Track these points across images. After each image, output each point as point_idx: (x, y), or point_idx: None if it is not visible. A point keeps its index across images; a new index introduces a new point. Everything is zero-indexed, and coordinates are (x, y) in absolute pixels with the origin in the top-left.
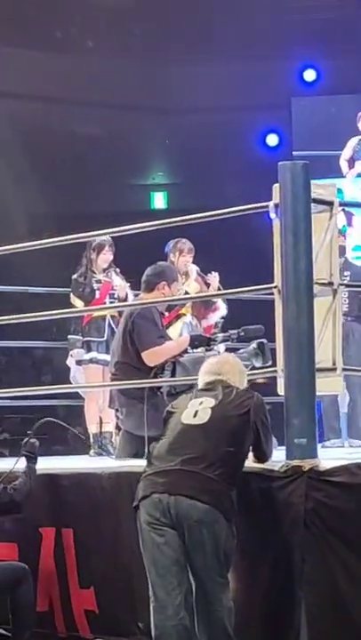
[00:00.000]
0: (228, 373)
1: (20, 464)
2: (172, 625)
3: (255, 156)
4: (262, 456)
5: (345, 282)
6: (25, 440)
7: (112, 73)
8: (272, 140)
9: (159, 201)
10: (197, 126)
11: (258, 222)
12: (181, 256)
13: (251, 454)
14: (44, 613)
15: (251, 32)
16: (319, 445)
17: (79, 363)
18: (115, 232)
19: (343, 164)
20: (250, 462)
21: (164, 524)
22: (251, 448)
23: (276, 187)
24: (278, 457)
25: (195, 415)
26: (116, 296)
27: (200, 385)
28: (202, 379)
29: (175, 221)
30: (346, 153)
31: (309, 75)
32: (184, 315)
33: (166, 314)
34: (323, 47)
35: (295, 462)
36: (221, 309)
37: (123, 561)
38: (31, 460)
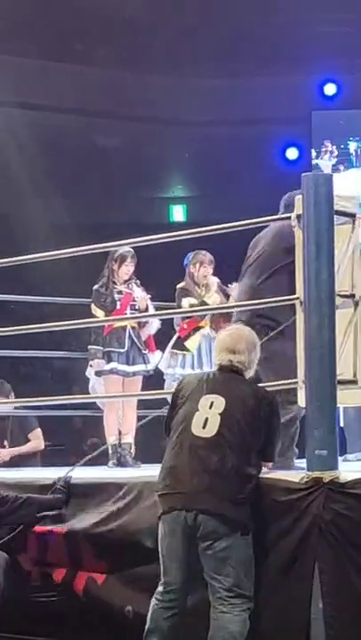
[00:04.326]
0: (243, 353)
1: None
2: (168, 625)
3: (275, 170)
4: (266, 458)
5: None
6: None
7: (133, 85)
8: (292, 153)
9: (178, 214)
10: (217, 139)
11: None
12: (202, 267)
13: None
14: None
15: (272, 46)
16: (341, 458)
17: (99, 373)
18: (135, 242)
19: None
20: (270, 474)
21: (183, 538)
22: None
23: (298, 198)
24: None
25: (204, 426)
26: (136, 307)
27: (215, 363)
28: (217, 356)
29: (196, 232)
30: None
31: (330, 89)
32: (202, 327)
33: None
34: (343, 61)
35: (315, 474)
36: None
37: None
38: (61, 493)
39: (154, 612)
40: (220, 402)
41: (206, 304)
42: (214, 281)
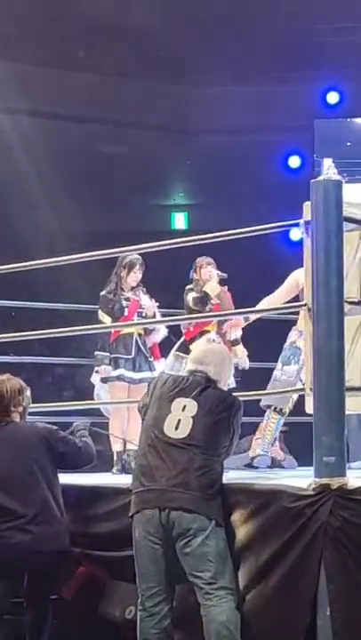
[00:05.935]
0: (210, 364)
1: None
2: (155, 633)
3: (277, 178)
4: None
5: None
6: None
7: (136, 93)
8: (294, 162)
9: (180, 221)
10: (219, 147)
11: (278, 243)
12: (202, 270)
13: None
14: None
15: (274, 54)
16: None
17: (105, 380)
18: (136, 249)
19: None
20: (277, 480)
21: (158, 538)
22: None
23: (307, 204)
24: (306, 475)
25: (177, 427)
26: (144, 314)
27: (186, 369)
28: (188, 366)
29: (198, 239)
30: None
31: (332, 97)
32: (208, 331)
33: None
34: (346, 69)
35: (323, 480)
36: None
37: None
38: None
39: (140, 625)
40: (192, 405)
41: (208, 295)
42: (214, 273)
